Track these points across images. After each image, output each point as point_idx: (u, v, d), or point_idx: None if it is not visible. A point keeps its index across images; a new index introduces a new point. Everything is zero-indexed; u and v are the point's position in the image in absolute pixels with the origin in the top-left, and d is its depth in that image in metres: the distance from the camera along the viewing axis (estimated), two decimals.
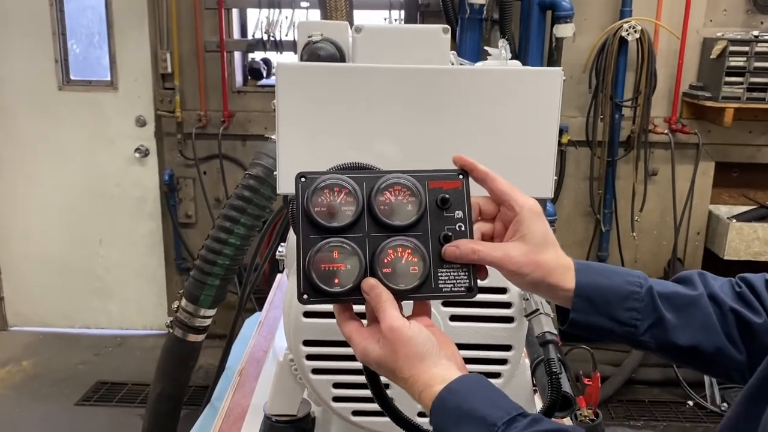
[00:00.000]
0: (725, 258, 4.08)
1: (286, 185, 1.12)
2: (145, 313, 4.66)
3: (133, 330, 4.68)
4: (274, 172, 1.12)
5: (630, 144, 4.14)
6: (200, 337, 1.64)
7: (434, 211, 0.86)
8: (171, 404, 1.69)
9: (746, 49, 3.75)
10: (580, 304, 0.86)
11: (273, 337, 1.89)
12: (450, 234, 0.86)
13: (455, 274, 0.85)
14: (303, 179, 0.85)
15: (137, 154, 4.38)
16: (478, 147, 1.13)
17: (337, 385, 1.19)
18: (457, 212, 0.86)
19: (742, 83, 3.78)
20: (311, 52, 1.41)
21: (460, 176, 0.88)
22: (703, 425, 3.77)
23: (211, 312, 1.61)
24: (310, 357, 1.17)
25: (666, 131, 4.10)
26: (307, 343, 1.16)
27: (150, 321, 4.66)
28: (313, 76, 1.08)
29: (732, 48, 3.76)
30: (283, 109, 1.08)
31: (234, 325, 2.35)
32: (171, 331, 1.64)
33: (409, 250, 0.83)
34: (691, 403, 3.93)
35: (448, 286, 0.85)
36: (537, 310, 1.12)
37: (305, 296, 0.83)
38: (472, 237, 0.87)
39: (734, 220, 4.07)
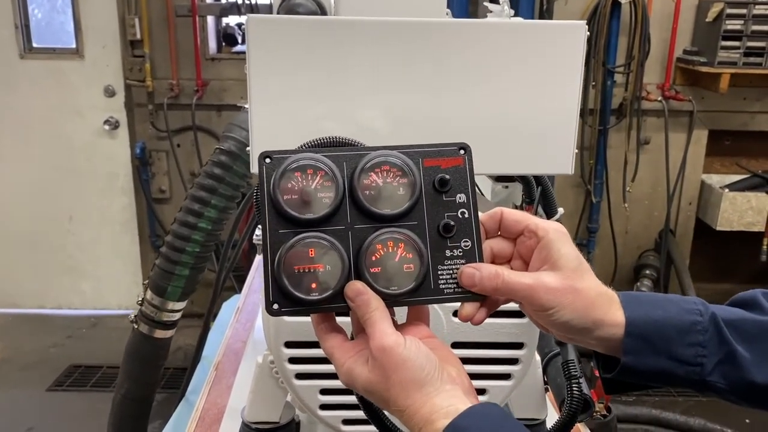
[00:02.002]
0: (718, 228, 3.99)
1: None
2: (120, 293, 4.49)
3: (107, 310, 4.50)
4: (248, 147, 0.95)
5: (622, 112, 4.00)
6: (169, 333, 1.48)
7: (431, 196, 0.71)
8: (138, 407, 1.53)
9: (743, 11, 3.60)
10: (632, 344, 0.70)
11: (252, 326, 1.74)
12: (452, 223, 0.70)
13: (459, 270, 0.70)
14: (268, 160, 0.70)
15: (107, 126, 4.16)
16: (486, 116, 0.96)
17: (324, 392, 1.04)
18: (459, 196, 0.71)
19: (738, 48, 3.64)
20: (288, 9, 1.27)
21: (462, 151, 0.72)
22: (695, 399, 3.71)
23: (181, 305, 1.45)
24: (293, 360, 1.02)
25: (659, 98, 3.96)
26: (289, 344, 1.01)
27: (125, 300, 4.48)
28: (291, 32, 0.91)
29: (729, 11, 3.62)
30: (255, 71, 0.91)
31: (210, 309, 2.19)
32: (136, 326, 1.48)
33: (402, 245, 0.69)
34: None
35: (450, 286, 0.70)
36: None
37: (275, 306, 0.68)
38: (477, 227, 0.71)
39: (727, 190, 3.97)
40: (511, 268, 0.72)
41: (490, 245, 0.73)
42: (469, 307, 0.71)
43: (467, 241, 0.71)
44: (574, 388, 0.94)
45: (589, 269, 0.71)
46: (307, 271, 0.67)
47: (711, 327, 0.71)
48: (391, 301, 0.68)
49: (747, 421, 3.51)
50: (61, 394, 3.63)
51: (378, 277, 0.68)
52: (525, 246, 0.72)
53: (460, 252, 0.71)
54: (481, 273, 0.69)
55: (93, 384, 3.71)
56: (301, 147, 0.74)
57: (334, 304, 0.68)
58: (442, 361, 0.66)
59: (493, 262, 0.73)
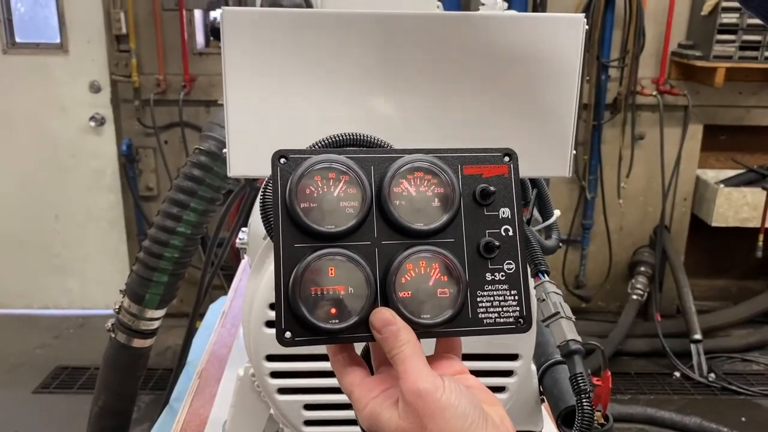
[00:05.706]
0: (713, 225, 3.95)
1: (239, 165, 0.89)
2: (108, 292, 4.41)
3: (95, 310, 4.43)
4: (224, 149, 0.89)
5: (617, 107, 3.95)
6: (147, 342, 1.42)
7: (471, 209, 0.62)
8: (116, 420, 1.48)
9: (739, 4, 3.55)
10: None
11: (237, 331, 1.68)
12: (495, 242, 0.61)
13: (501, 298, 0.62)
14: (283, 160, 0.60)
15: (92, 123, 4.08)
16: (479, 114, 0.91)
17: (309, 407, 0.98)
18: (502, 210, 0.63)
19: (734, 41, 3.60)
20: (272, 2, 1.22)
21: (507, 158, 0.63)
22: (690, 397, 3.67)
23: (160, 313, 1.39)
24: (275, 374, 0.96)
25: (654, 93, 3.91)
26: (271, 358, 0.95)
27: (113, 300, 4.37)
28: (271, 25, 0.85)
29: (724, 4, 3.57)
30: (231, 69, 0.84)
31: (195, 312, 2.13)
32: (113, 335, 1.42)
33: (437, 265, 0.60)
34: (677, 374, 3.82)
35: (491, 315, 0.62)
36: (557, 313, 0.91)
37: (288, 334, 0.58)
38: (523, 248, 0.63)
39: (722, 185, 3.93)
40: None
41: None
42: None
43: (511, 264, 0.62)
44: (585, 404, 0.87)
45: None
46: (326, 293, 0.58)
47: None
48: (423, 332, 0.60)
49: (743, 419, 3.47)
50: (47, 396, 3.56)
51: (408, 303, 0.59)
52: None
53: (502, 276, 0.62)
54: None
55: (80, 386, 3.64)
56: (316, 145, 0.64)
57: (357, 333, 0.59)
58: (482, 403, 0.58)
59: None
